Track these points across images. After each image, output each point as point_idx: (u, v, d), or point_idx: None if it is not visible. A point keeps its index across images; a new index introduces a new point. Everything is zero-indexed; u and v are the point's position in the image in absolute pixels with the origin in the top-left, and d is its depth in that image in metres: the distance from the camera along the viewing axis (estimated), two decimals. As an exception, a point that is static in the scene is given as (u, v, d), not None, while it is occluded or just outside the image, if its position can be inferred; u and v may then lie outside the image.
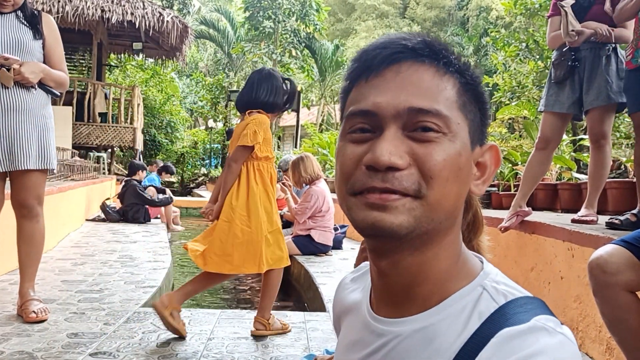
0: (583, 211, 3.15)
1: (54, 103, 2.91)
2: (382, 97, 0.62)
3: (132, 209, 7.68)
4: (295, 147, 16.23)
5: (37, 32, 2.77)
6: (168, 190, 8.59)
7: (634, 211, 2.77)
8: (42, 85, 2.75)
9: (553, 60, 3.24)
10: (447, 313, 0.62)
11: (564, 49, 3.11)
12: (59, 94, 2.88)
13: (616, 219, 2.74)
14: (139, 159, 12.48)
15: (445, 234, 0.64)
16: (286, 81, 2.88)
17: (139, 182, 7.90)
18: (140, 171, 8.11)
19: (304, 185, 5.29)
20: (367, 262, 0.76)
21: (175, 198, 13.22)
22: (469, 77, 0.66)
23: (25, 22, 2.75)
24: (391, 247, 0.63)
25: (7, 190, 2.88)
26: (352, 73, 0.67)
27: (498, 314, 0.59)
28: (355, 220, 0.63)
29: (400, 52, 0.63)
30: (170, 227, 8.00)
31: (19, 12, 2.76)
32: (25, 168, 2.68)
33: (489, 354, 0.55)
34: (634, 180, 3.22)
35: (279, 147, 19.48)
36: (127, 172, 8.77)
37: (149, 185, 8.31)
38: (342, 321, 0.80)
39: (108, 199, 8.07)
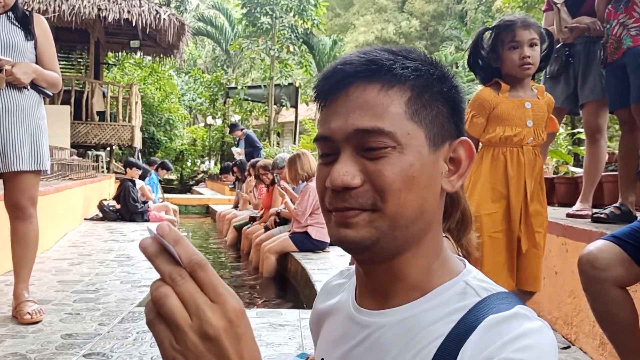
0: (578, 205, 3.15)
1: (51, 102, 2.90)
2: (334, 122, 0.67)
3: (129, 209, 7.67)
4: (294, 143, 16.23)
5: (29, 33, 2.76)
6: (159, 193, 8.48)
7: (617, 204, 2.78)
8: (34, 85, 2.74)
9: None
10: (431, 304, 0.66)
11: (557, 45, 3.11)
12: (51, 94, 2.88)
13: (602, 213, 2.75)
14: (138, 157, 12.48)
15: (420, 235, 0.67)
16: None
17: (132, 181, 7.81)
18: (129, 169, 7.94)
19: (300, 182, 5.29)
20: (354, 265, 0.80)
21: (174, 196, 13.25)
22: (430, 76, 0.67)
23: (16, 23, 2.74)
24: (366, 257, 0.68)
25: (0, 192, 2.87)
26: (315, 99, 0.72)
27: (482, 304, 0.63)
28: (330, 234, 0.69)
29: (346, 77, 0.66)
30: None
31: (10, 13, 2.75)
32: (18, 169, 2.68)
33: (477, 338, 0.59)
34: None
35: (278, 143, 19.47)
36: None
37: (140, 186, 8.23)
38: (324, 322, 0.81)
39: (105, 199, 8.04)
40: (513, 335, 0.57)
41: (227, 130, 19.66)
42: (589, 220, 2.88)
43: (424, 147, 0.66)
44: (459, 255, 0.86)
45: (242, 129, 10.54)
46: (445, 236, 1.39)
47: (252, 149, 9.98)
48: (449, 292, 0.66)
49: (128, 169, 7.83)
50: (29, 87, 2.72)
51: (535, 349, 0.56)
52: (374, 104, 0.65)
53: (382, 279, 0.69)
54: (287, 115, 21.42)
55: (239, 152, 10.21)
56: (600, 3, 2.76)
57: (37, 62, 2.78)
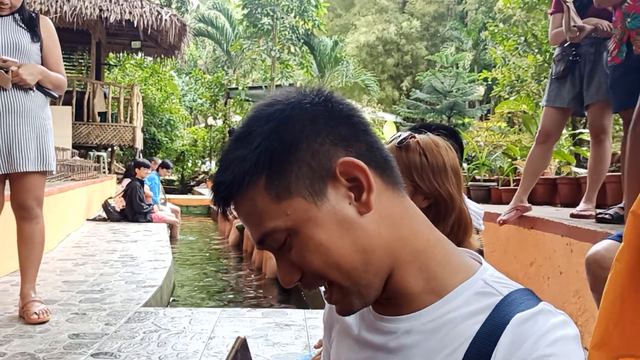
0: (582, 206, 3.16)
1: (52, 102, 2.92)
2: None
3: (134, 208, 7.68)
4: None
5: (35, 35, 2.77)
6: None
7: (621, 205, 2.79)
8: (40, 87, 2.76)
9: (554, 56, 3.26)
10: (452, 305, 0.65)
11: (565, 45, 3.13)
12: (57, 95, 2.89)
13: (606, 214, 2.76)
14: (139, 158, 12.49)
15: (390, 261, 0.65)
16: None
17: (141, 181, 7.84)
18: (138, 169, 7.96)
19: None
20: None
21: (175, 196, 13.25)
22: (270, 144, 0.62)
23: (22, 25, 2.75)
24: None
25: (7, 192, 2.88)
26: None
27: (505, 302, 0.63)
28: None
29: (224, 200, 0.65)
30: (173, 234, 7.85)
31: (16, 15, 2.76)
32: (24, 170, 2.69)
33: (508, 337, 0.59)
34: None
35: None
36: (125, 171, 8.65)
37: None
38: (338, 321, 0.80)
39: (111, 197, 8.05)
40: (543, 331, 0.59)
41: (228, 132, 19.70)
42: (593, 220, 2.89)
43: (310, 209, 0.62)
44: None
45: None
46: None
47: None
48: (469, 292, 0.65)
49: (137, 169, 7.86)
50: (34, 88, 2.73)
51: (563, 341, 0.58)
52: (249, 214, 0.64)
53: (389, 295, 0.68)
54: (287, 115, 21.39)
55: None
56: None
57: (42, 64, 2.79)
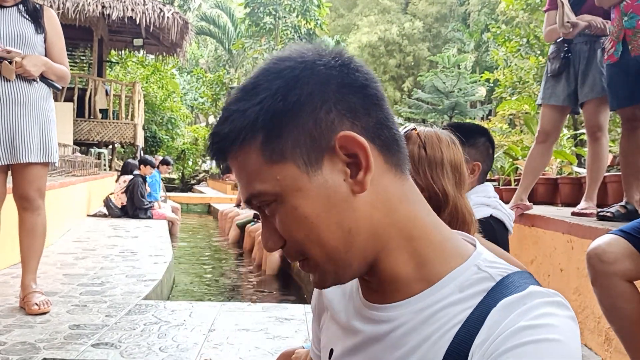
0: (582, 204, 3.16)
1: (54, 99, 2.93)
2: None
3: (135, 204, 7.69)
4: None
5: (39, 26, 2.78)
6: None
7: (622, 203, 2.79)
8: (43, 78, 2.76)
9: (549, 54, 3.27)
10: (444, 292, 0.62)
11: (558, 40, 3.14)
12: (60, 87, 2.90)
13: (607, 212, 2.77)
14: (140, 156, 12.49)
15: (375, 245, 0.62)
16: None
17: (143, 178, 7.86)
18: (143, 166, 8.02)
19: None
20: None
21: (176, 194, 13.27)
22: (275, 102, 0.59)
23: (27, 16, 2.76)
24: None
25: (9, 184, 2.89)
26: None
27: (497, 288, 0.60)
28: None
29: (216, 153, 0.64)
30: (174, 231, 7.84)
31: (20, 6, 2.77)
32: (27, 161, 2.69)
33: (491, 320, 0.56)
34: None
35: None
36: (122, 168, 8.65)
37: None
38: (329, 305, 0.78)
39: (112, 193, 8.06)
40: (528, 307, 0.55)
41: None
42: (594, 218, 2.90)
43: (301, 179, 0.59)
44: None
45: None
46: None
47: None
48: (461, 278, 0.62)
49: (142, 166, 7.92)
50: (38, 79, 2.74)
51: (553, 316, 0.55)
52: (241, 170, 0.62)
53: (378, 281, 0.66)
54: (288, 115, 21.43)
55: None
56: None
57: (46, 55, 2.80)
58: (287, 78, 0.60)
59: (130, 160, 9.13)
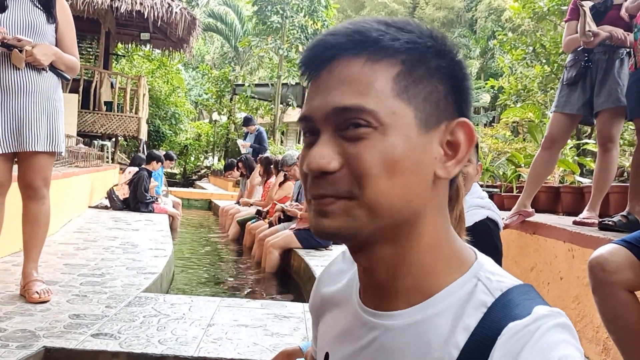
0: (585, 213, 3.17)
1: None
2: (315, 100, 0.61)
3: (138, 197, 7.70)
4: (299, 142, 16.25)
5: (51, 16, 2.79)
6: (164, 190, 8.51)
7: (624, 213, 2.80)
8: (53, 68, 2.77)
9: (567, 62, 3.28)
10: (441, 307, 0.61)
11: (578, 49, 3.15)
12: (69, 77, 2.90)
13: (609, 221, 2.77)
14: (143, 149, 12.50)
15: (409, 227, 0.61)
16: None
17: (149, 172, 7.88)
18: (155, 162, 8.04)
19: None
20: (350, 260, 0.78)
21: (177, 189, 13.27)
22: (426, 49, 0.61)
23: (39, 5, 2.77)
24: (354, 245, 0.64)
25: (14, 173, 2.89)
26: (301, 75, 0.65)
27: (497, 307, 0.58)
28: (309, 226, 0.64)
29: (329, 49, 0.60)
30: (174, 226, 7.84)
31: None
32: (34, 150, 2.70)
33: (500, 353, 0.54)
34: None
35: (282, 142, 19.49)
36: (131, 160, 8.68)
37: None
38: (327, 310, 0.78)
39: (116, 185, 8.08)
40: (535, 337, 0.54)
41: (233, 127, 19.70)
42: (596, 228, 2.90)
43: (412, 129, 0.59)
44: None
45: (255, 124, 10.51)
46: None
47: (259, 147, 9.96)
48: (460, 293, 0.61)
49: (153, 162, 7.99)
50: (47, 69, 2.75)
51: (563, 345, 0.54)
52: (356, 79, 0.59)
53: (381, 277, 0.64)
54: (292, 115, 21.43)
55: (243, 145, 10.18)
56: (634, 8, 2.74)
57: (57, 45, 2.80)
58: (439, 38, 0.63)
59: (140, 154, 9.16)
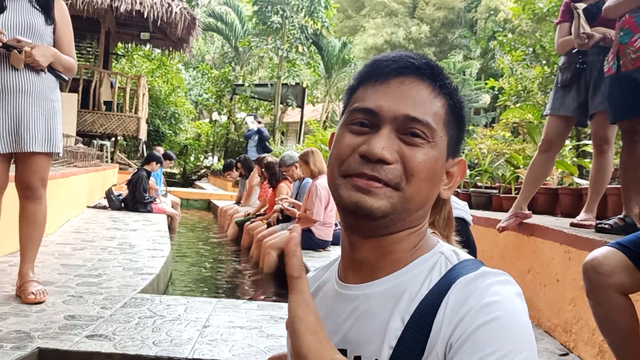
0: (582, 215, 3.16)
1: (59, 89, 2.95)
2: (385, 101, 0.75)
3: (136, 197, 7.70)
4: (299, 143, 16.24)
5: (49, 17, 2.78)
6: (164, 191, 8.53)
7: (621, 215, 2.80)
8: (51, 69, 2.77)
9: (560, 64, 3.28)
10: (413, 273, 0.75)
11: (572, 51, 3.14)
12: (67, 78, 2.91)
13: (606, 224, 2.77)
14: (143, 149, 12.50)
15: (417, 222, 0.78)
16: None
17: (148, 173, 7.89)
18: (154, 163, 8.07)
19: (303, 179, 5.31)
20: (330, 261, 0.92)
21: (176, 189, 13.27)
22: (456, 100, 0.79)
23: (37, 7, 2.77)
24: (367, 226, 0.75)
25: (11, 173, 2.89)
26: (363, 76, 0.79)
27: (454, 269, 0.73)
28: (342, 197, 0.75)
29: (406, 68, 0.76)
30: (173, 226, 7.84)
31: None
32: (32, 150, 2.70)
33: (453, 300, 0.68)
34: None
35: (282, 142, 19.49)
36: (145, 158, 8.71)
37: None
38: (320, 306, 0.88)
39: (115, 185, 8.07)
40: (486, 284, 0.68)
41: (232, 127, 19.70)
42: (593, 230, 2.90)
43: (443, 154, 0.77)
44: None
45: (259, 122, 10.51)
46: (433, 232, 1.46)
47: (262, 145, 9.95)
48: (428, 262, 0.76)
49: (152, 162, 8.01)
50: (46, 70, 2.75)
51: (505, 292, 0.67)
52: (426, 101, 0.75)
53: (370, 253, 0.77)
54: (291, 115, 21.43)
55: (252, 121, 10.20)
56: (619, 6, 2.70)
57: (54, 46, 2.80)
58: (458, 92, 0.83)
59: (154, 152, 9.17)
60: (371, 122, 0.75)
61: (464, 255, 0.78)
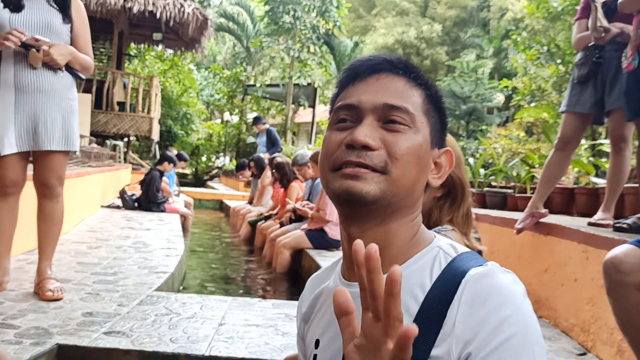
0: (600, 214, 3.13)
1: (75, 89, 2.98)
2: (364, 95, 0.80)
3: (149, 197, 7.75)
4: (310, 143, 16.25)
5: (67, 16, 2.81)
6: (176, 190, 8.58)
7: (639, 215, 2.76)
8: (68, 67, 2.80)
9: (577, 60, 3.24)
10: (413, 267, 0.78)
11: (589, 46, 3.10)
12: (84, 77, 2.93)
13: (624, 223, 2.73)
14: (155, 150, 12.58)
15: (406, 211, 0.80)
16: None
17: (161, 173, 7.94)
18: (166, 163, 8.12)
19: (315, 179, 5.30)
20: (333, 262, 0.94)
21: (188, 189, 13.34)
22: (433, 91, 0.84)
23: (54, 6, 2.80)
24: (360, 214, 0.78)
25: (29, 172, 2.92)
26: (343, 80, 0.85)
27: (454, 261, 0.76)
28: (333, 188, 0.78)
29: (381, 64, 0.82)
30: (186, 226, 7.87)
31: None
32: (49, 149, 2.72)
33: (468, 298, 0.70)
34: None
35: (293, 142, 19.51)
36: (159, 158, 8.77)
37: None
38: (316, 306, 0.91)
39: (128, 185, 8.13)
40: (502, 288, 0.71)
41: (244, 127, 19.76)
42: (611, 229, 2.87)
43: (427, 140, 0.81)
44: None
45: (264, 123, 10.52)
46: (453, 229, 1.48)
47: (273, 148, 9.96)
48: (427, 257, 0.79)
49: (165, 162, 8.05)
50: (63, 68, 2.77)
51: (519, 301, 0.71)
52: (402, 91, 0.80)
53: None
54: (303, 115, 21.43)
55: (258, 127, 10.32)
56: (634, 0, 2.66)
57: (71, 45, 2.83)
58: (433, 86, 0.87)
59: (167, 152, 9.23)
60: (354, 117, 0.80)
61: (461, 248, 0.80)
